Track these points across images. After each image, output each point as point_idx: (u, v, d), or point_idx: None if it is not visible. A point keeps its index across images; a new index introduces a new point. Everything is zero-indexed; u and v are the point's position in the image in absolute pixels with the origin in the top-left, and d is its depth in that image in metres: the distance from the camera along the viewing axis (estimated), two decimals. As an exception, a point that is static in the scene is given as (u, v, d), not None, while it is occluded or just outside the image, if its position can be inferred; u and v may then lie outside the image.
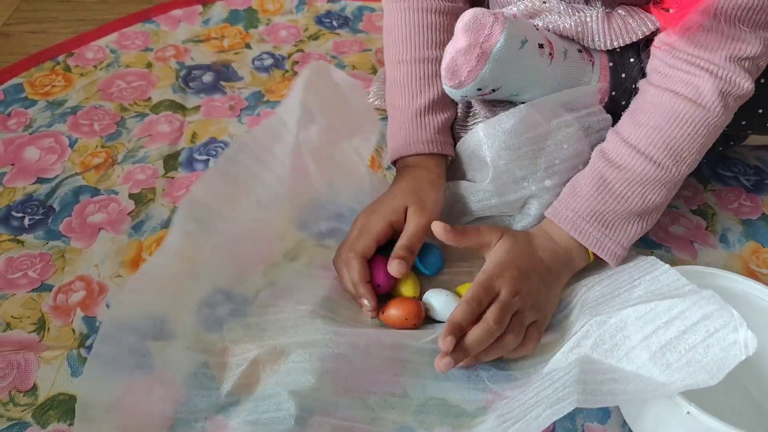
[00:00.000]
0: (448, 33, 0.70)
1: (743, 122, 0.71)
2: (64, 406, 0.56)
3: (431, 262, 0.67)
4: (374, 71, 0.95)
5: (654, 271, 0.59)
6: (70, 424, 0.54)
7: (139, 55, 0.96)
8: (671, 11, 0.61)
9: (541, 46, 0.68)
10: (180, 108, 0.87)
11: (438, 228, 0.61)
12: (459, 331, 0.55)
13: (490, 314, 0.56)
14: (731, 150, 0.85)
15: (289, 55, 0.98)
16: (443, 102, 0.70)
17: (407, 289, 0.63)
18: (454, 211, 0.71)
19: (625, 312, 0.54)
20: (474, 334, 0.55)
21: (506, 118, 0.66)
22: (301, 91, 0.68)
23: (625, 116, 0.67)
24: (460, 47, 0.63)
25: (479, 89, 0.66)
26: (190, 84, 0.92)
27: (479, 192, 0.69)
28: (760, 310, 0.58)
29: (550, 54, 0.69)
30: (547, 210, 0.66)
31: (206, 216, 0.63)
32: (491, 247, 0.62)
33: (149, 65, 0.95)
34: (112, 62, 0.94)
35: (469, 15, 0.63)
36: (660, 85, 0.64)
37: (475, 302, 0.56)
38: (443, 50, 0.67)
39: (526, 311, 0.59)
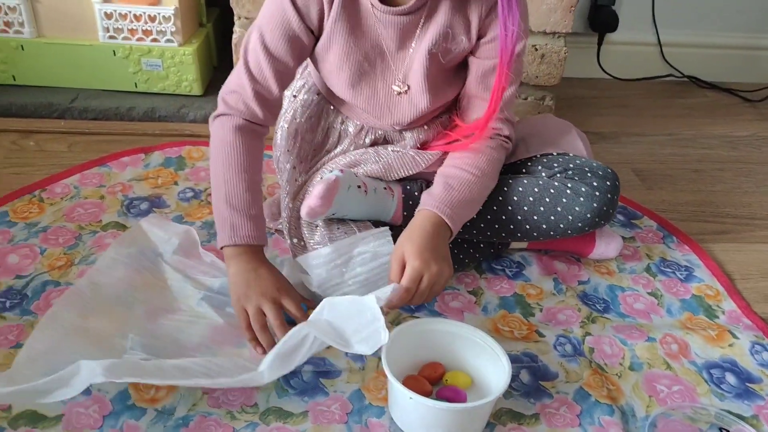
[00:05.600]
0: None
1: (503, 234, 1.13)
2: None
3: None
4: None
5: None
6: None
7: (94, 190, 1.33)
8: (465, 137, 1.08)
9: (359, 186, 1.09)
10: (122, 227, 1.23)
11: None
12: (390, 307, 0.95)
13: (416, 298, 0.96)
14: (502, 252, 1.26)
15: (205, 189, 1.37)
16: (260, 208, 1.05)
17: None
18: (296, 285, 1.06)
19: None
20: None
21: (313, 260, 1.05)
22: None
23: (452, 160, 1.10)
24: (317, 204, 1.03)
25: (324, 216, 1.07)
26: (131, 210, 1.29)
27: (310, 286, 1.06)
28: (464, 341, 0.96)
29: (365, 191, 1.10)
30: (418, 207, 1.04)
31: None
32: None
33: (102, 197, 1.31)
34: (74, 195, 1.31)
35: (321, 187, 1.03)
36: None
37: (407, 293, 0.95)
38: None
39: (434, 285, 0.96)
